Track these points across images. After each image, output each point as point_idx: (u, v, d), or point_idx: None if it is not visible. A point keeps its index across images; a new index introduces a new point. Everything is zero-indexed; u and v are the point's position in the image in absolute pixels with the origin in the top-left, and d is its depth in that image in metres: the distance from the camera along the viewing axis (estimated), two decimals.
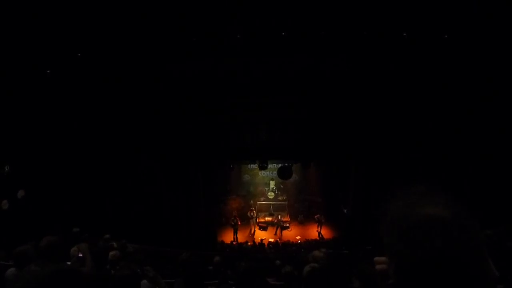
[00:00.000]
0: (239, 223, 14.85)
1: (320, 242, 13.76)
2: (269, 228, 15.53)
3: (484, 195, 9.76)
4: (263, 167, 14.97)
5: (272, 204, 17.29)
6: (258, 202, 17.31)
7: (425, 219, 0.70)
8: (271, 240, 14.33)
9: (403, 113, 11.23)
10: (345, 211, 14.59)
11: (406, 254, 0.70)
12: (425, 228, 0.69)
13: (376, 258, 0.85)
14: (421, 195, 0.75)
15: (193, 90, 11.37)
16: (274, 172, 16.72)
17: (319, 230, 14.72)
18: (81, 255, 3.56)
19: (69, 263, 4.02)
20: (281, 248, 13.03)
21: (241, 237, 14.64)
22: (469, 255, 0.67)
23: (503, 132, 9.49)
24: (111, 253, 4.37)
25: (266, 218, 16.23)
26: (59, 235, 6.26)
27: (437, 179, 10.59)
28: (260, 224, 15.83)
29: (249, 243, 13.73)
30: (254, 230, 15.32)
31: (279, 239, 14.51)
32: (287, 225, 15.57)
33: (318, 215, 14.79)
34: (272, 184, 18.26)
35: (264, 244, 13.63)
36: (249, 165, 17.70)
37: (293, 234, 15.09)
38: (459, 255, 0.66)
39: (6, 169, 9.25)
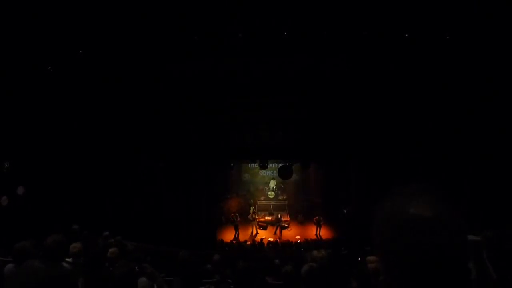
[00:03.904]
0: (238, 219, 14.88)
1: (319, 242, 13.76)
2: (269, 228, 15.54)
3: (484, 196, 9.76)
4: (263, 167, 14.96)
5: (272, 204, 17.28)
6: (258, 202, 17.29)
7: (410, 219, 0.72)
8: (271, 239, 14.34)
9: (403, 113, 11.23)
10: (345, 211, 14.58)
11: (393, 253, 0.73)
12: (410, 227, 0.71)
13: (369, 258, 0.88)
14: (409, 195, 0.77)
15: (193, 90, 11.38)
16: (275, 171, 16.68)
17: (317, 233, 14.69)
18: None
19: (69, 259, 4.03)
20: (281, 247, 13.03)
21: (242, 237, 14.64)
22: (450, 253, 0.69)
23: (503, 132, 9.48)
24: (110, 250, 4.37)
25: (266, 218, 16.23)
26: (59, 232, 6.28)
27: (437, 179, 10.59)
28: (260, 224, 15.83)
29: (249, 242, 13.73)
30: (257, 232, 15.27)
31: (279, 238, 14.51)
32: (287, 224, 15.57)
33: (317, 217, 14.76)
34: (272, 183, 18.22)
35: (263, 243, 13.64)
36: (249, 164, 17.68)
37: (292, 233, 15.09)
38: (440, 253, 0.69)
39: (6, 165, 9.26)
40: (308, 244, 13.26)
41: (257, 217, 15.73)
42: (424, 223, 0.70)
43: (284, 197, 17.82)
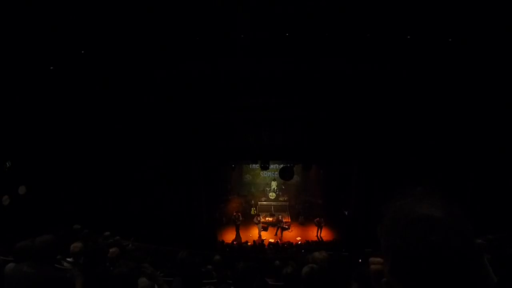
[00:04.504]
0: (241, 219, 14.91)
1: (320, 244, 13.74)
2: (270, 229, 15.53)
3: (485, 199, 9.73)
4: (265, 168, 14.95)
5: (273, 205, 17.28)
6: (259, 202, 17.30)
7: (420, 219, 0.72)
8: (272, 240, 14.32)
9: (406, 115, 11.20)
10: (346, 213, 14.55)
11: (401, 252, 0.72)
12: (419, 227, 0.71)
13: (371, 259, 0.87)
14: (418, 196, 0.77)
15: (194, 90, 11.40)
16: (276, 172, 16.69)
17: (318, 234, 14.68)
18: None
19: (69, 259, 4.03)
20: (281, 248, 13.02)
21: (243, 238, 14.64)
22: (459, 255, 0.69)
23: (505, 137, 9.45)
24: (111, 250, 4.38)
25: (267, 219, 16.22)
26: (60, 232, 6.28)
27: (439, 181, 10.56)
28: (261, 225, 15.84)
29: (249, 243, 13.72)
30: (259, 235, 15.24)
31: (280, 239, 14.49)
32: (288, 226, 15.56)
33: (318, 218, 14.75)
34: (273, 184, 18.24)
35: (264, 244, 13.62)
36: (250, 165, 17.69)
37: (293, 235, 15.07)
38: (449, 254, 0.68)
39: (8, 164, 9.28)
40: (309, 246, 13.25)
41: (262, 220, 15.70)
42: (433, 222, 0.70)
43: (285, 198, 17.84)
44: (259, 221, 15.34)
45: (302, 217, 16.19)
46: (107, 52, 9.63)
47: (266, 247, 13.32)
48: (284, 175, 15.40)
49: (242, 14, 8.65)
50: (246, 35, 9.52)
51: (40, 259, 2.62)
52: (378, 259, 0.85)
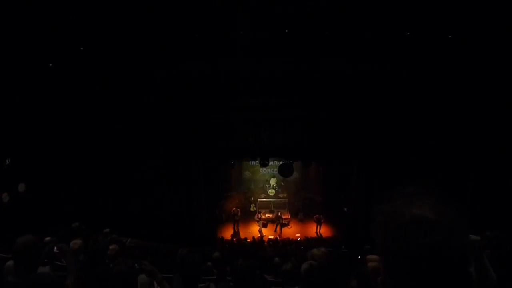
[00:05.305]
0: (239, 214, 14.99)
1: (319, 241, 13.75)
2: (269, 225, 15.55)
3: (485, 198, 9.74)
4: (264, 164, 14.96)
5: (273, 201, 17.29)
6: (258, 199, 17.32)
7: (411, 219, 0.73)
8: (271, 237, 14.35)
9: (405, 115, 11.20)
10: (345, 209, 14.58)
11: (394, 252, 0.73)
12: (410, 228, 0.72)
13: (368, 256, 0.88)
14: (410, 196, 0.78)
15: (194, 90, 11.40)
16: (275, 169, 16.67)
17: (318, 231, 14.71)
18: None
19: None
20: (281, 245, 13.04)
21: (242, 234, 14.66)
22: (452, 255, 0.70)
23: (505, 137, 9.46)
24: (111, 247, 4.39)
25: (266, 215, 16.24)
26: (60, 231, 6.29)
27: (439, 181, 10.56)
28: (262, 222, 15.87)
29: (249, 240, 13.74)
30: (261, 232, 15.26)
31: (279, 236, 14.52)
32: (287, 222, 15.58)
33: (317, 215, 14.78)
34: (273, 181, 18.23)
35: (264, 240, 13.65)
36: (250, 162, 17.69)
37: (293, 231, 15.11)
38: (449, 254, 0.69)
39: (7, 162, 9.29)
40: (308, 242, 13.27)
41: (262, 217, 15.72)
42: (425, 224, 0.71)
43: (285, 195, 17.82)
44: (260, 218, 15.37)
45: (302, 214, 16.20)
46: (107, 52, 9.62)
47: (265, 243, 13.35)
48: (284, 172, 15.41)
49: (242, 14, 8.63)
50: (246, 35, 9.50)
51: (23, 262, 2.51)
52: (375, 257, 0.86)
